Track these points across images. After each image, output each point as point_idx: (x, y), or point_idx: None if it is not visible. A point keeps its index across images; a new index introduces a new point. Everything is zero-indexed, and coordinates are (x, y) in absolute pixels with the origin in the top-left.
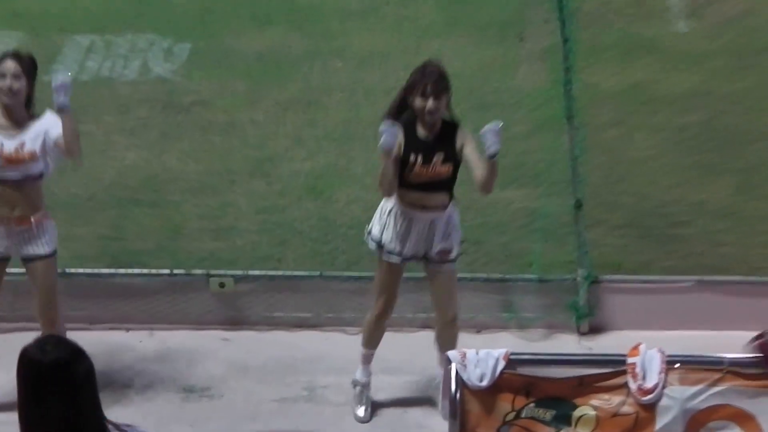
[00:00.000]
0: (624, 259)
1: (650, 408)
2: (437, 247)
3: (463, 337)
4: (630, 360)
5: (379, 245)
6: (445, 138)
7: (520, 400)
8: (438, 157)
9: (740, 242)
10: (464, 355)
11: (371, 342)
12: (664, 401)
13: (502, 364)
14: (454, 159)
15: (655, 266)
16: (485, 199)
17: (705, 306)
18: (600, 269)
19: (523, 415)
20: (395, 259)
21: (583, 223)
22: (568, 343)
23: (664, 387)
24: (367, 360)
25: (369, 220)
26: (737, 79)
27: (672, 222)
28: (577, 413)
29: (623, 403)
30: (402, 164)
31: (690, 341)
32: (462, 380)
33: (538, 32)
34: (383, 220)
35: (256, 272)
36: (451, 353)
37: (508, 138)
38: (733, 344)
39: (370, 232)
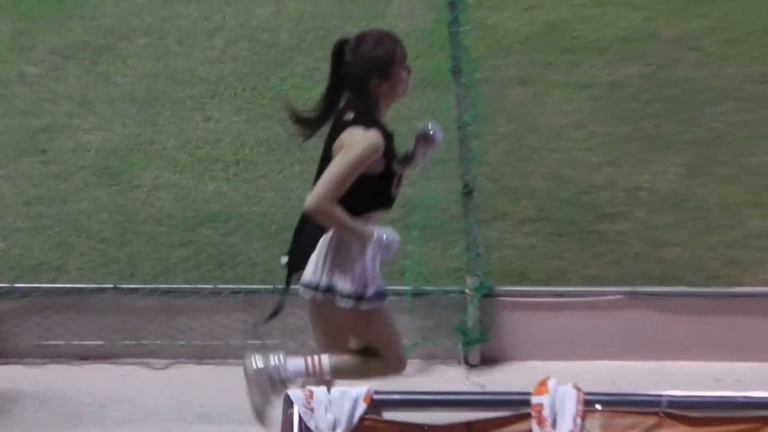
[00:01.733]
0: (531, 265)
1: None
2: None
3: None
4: (535, 400)
5: (358, 297)
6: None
7: None
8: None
9: (690, 242)
10: (311, 395)
11: None
12: None
13: (362, 408)
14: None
15: (573, 275)
16: None
17: (637, 326)
18: (498, 279)
19: None
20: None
21: (475, 216)
22: (453, 379)
23: None
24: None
25: (183, 211)
26: (691, 17)
27: (598, 214)
28: None
29: None
30: (387, 177)
31: (617, 374)
32: (308, 428)
33: None
34: (356, 266)
35: (25, 285)
36: (292, 393)
37: None
38: (675, 378)
39: (330, 291)
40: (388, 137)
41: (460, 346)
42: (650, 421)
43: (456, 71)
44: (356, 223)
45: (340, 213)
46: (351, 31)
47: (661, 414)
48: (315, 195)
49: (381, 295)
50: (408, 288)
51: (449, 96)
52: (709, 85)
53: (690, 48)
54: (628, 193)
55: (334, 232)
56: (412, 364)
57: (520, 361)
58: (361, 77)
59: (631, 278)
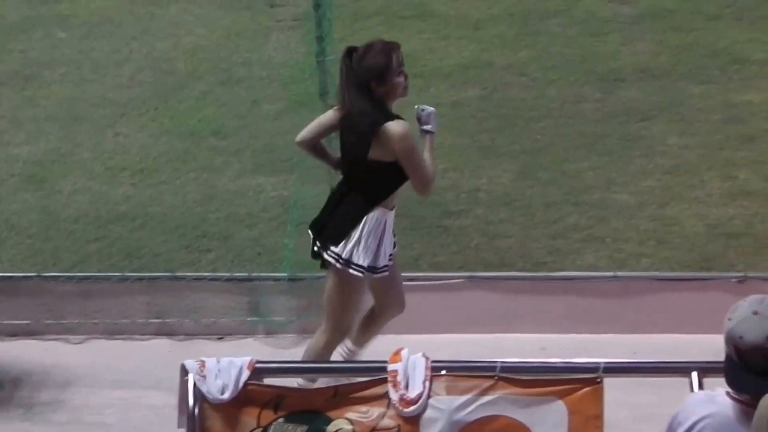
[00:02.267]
0: None
1: (414, 420)
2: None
3: (204, 345)
4: (391, 367)
5: (347, 262)
6: None
7: (267, 415)
8: None
9: (521, 234)
10: (203, 365)
11: None
12: (429, 413)
13: (246, 374)
14: None
15: (424, 263)
16: (232, 187)
17: (478, 306)
18: None
19: (270, 431)
20: (364, 274)
21: None
22: None
23: (429, 397)
24: None
25: (97, 211)
26: (520, 48)
27: (444, 212)
28: (331, 428)
29: (383, 416)
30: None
31: (460, 345)
32: (201, 393)
33: None
34: (366, 236)
35: None
36: (187, 362)
37: (259, 117)
38: (508, 348)
39: (349, 261)
40: None
41: None
42: (487, 383)
43: (323, 94)
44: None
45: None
46: (238, 61)
47: (496, 377)
48: (425, 187)
49: (358, 266)
50: (286, 274)
51: (317, 114)
52: (534, 105)
53: (519, 74)
54: (468, 194)
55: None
56: (289, 338)
57: (379, 335)
58: (362, 82)
59: (471, 265)
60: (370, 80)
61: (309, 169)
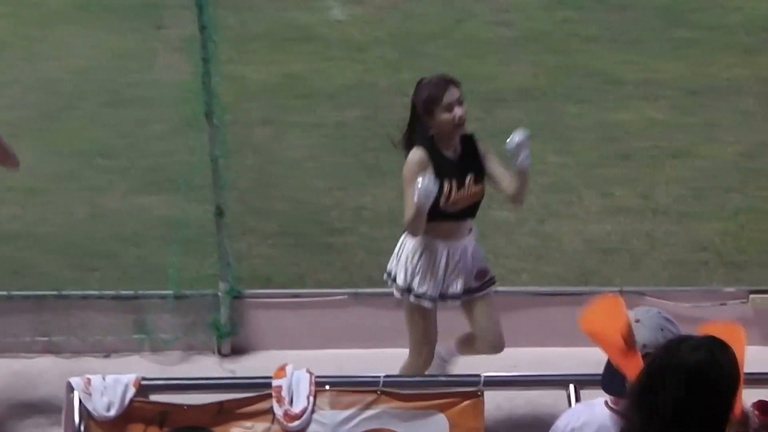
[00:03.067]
0: (275, 271)
1: None
2: (474, 271)
3: (91, 363)
4: (275, 383)
5: (408, 290)
6: (469, 154)
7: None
8: (470, 178)
9: None
10: (89, 382)
11: None
12: (313, 427)
13: (132, 391)
14: (483, 179)
15: (309, 279)
16: (119, 206)
17: (359, 321)
18: (248, 283)
19: None
20: (428, 304)
21: (225, 232)
22: (208, 366)
23: (313, 412)
24: None
25: None
26: (402, 69)
27: (329, 229)
28: None
29: (268, 431)
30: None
31: (343, 361)
32: (87, 410)
33: (178, 18)
34: (412, 263)
35: None
36: (73, 380)
37: (146, 137)
38: (390, 362)
39: (394, 279)
40: (434, 156)
41: (214, 339)
42: (370, 397)
43: (208, 114)
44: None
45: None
46: (125, 82)
47: (378, 392)
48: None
49: (419, 297)
50: (171, 292)
51: (205, 135)
52: None
53: (401, 95)
54: (353, 212)
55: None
56: (175, 354)
57: (264, 351)
58: (412, 113)
59: (356, 282)
60: (418, 115)
61: (195, 188)
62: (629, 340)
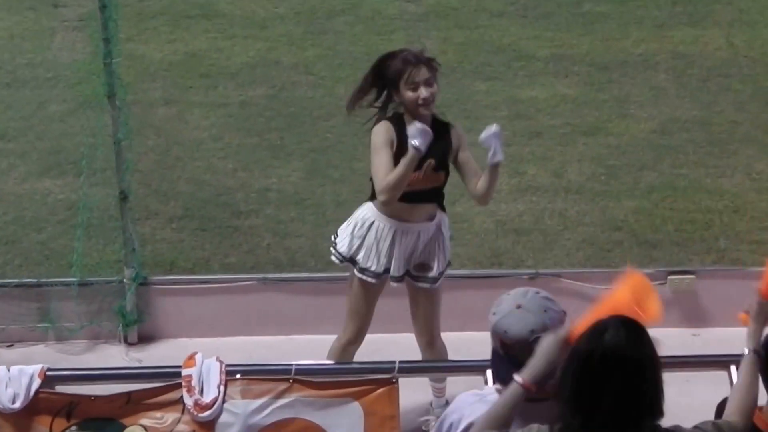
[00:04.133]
0: (179, 256)
1: (209, 425)
2: (416, 261)
3: None
4: (185, 372)
5: (350, 261)
6: (437, 140)
7: (60, 423)
8: (429, 163)
9: (311, 233)
10: None
11: None
12: (224, 417)
13: (37, 382)
14: (446, 168)
15: (214, 263)
16: (18, 190)
17: (270, 307)
18: (152, 268)
19: None
20: (371, 278)
21: (129, 216)
22: (115, 355)
23: (224, 401)
24: None
25: None
26: (306, 47)
27: (234, 212)
28: None
29: (178, 421)
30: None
31: (254, 348)
32: None
33: None
34: (360, 233)
35: None
36: None
37: (45, 119)
38: (302, 350)
39: (335, 245)
40: (400, 132)
41: (120, 328)
42: (282, 386)
43: (111, 95)
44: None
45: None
46: (22, 62)
47: (291, 380)
48: (378, 192)
49: (362, 270)
50: (75, 279)
51: (105, 115)
52: (322, 103)
53: (306, 72)
54: (258, 194)
55: None
56: (80, 344)
57: (172, 339)
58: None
59: (263, 265)
60: (385, 82)
61: (97, 171)
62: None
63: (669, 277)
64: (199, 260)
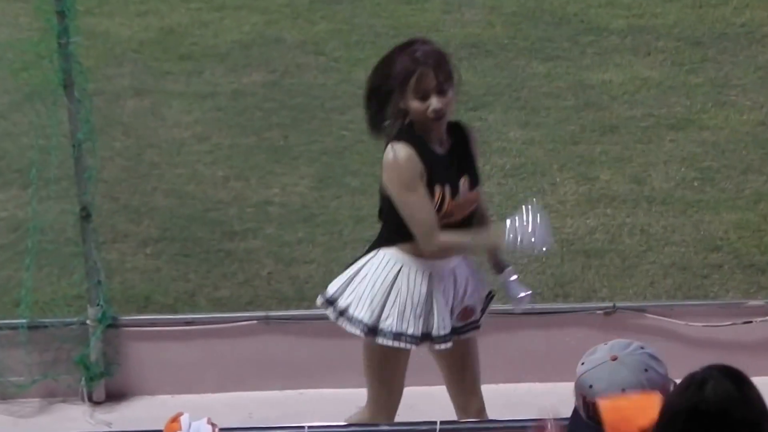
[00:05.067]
0: (156, 288)
1: None
2: (459, 307)
3: None
4: None
5: (374, 328)
6: (459, 147)
7: None
8: (464, 181)
9: (323, 258)
10: None
11: None
12: None
13: None
14: (478, 180)
15: (201, 298)
16: None
17: (275, 354)
18: (121, 305)
19: None
20: (408, 346)
21: (93, 239)
22: (77, 418)
23: None
24: None
25: None
26: (316, 20)
27: (227, 232)
28: None
29: None
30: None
31: (254, 406)
32: None
33: None
34: (385, 287)
35: None
36: None
37: None
38: (315, 407)
39: (346, 312)
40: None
41: (82, 382)
42: None
43: (68, 85)
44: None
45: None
46: None
47: None
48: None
49: (398, 335)
50: (23, 321)
51: (60, 110)
52: (337, 92)
53: (315, 52)
54: (256, 209)
55: None
56: (31, 403)
57: (149, 396)
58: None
59: (263, 300)
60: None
61: (50, 181)
62: None
63: None
64: (182, 294)
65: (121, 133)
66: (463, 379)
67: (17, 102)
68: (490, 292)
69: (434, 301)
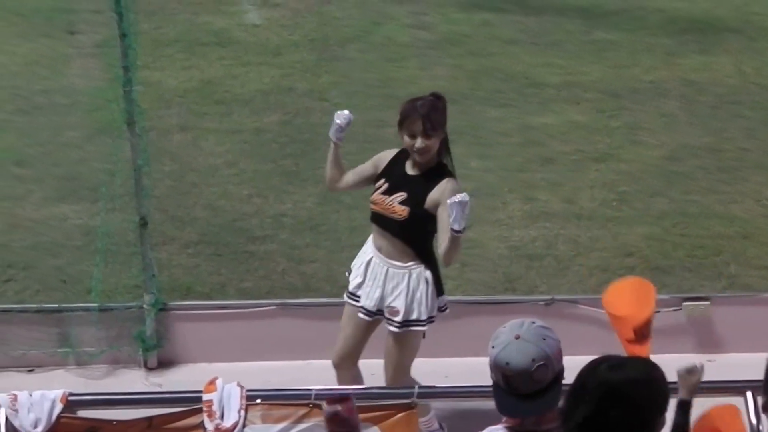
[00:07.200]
0: (195, 281)
1: None
2: (386, 301)
3: (14, 378)
4: (206, 397)
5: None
6: (424, 181)
7: None
8: (399, 196)
9: (326, 258)
10: (15, 398)
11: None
12: None
13: (59, 407)
14: (417, 208)
15: (230, 288)
16: (35, 216)
17: (288, 332)
18: (169, 294)
19: None
20: (351, 301)
21: (148, 242)
22: (135, 380)
23: (244, 426)
24: None
25: None
26: (320, 74)
27: (249, 237)
28: None
29: None
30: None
31: (272, 373)
32: (13, 427)
33: (91, 24)
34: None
35: None
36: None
37: (61, 145)
38: (320, 374)
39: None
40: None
41: (139, 353)
42: (302, 411)
43: (130, 123)
44: None
45: None
46: (37, 88)
47: (310, 405)
48: None
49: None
50: (94, 305)
51: (124, 142)
52: None
53: (320, 99)
54: (273, 219)
55: None
56: (100, 368)
57: (191, 364)
58: None
59: (278, 290)
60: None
61: (115, 197)
62: (644, 331)
63: (684, 304)
64: (215, 285)
65: (169, 160)
66: (386, 362)
67: (90, 135)
68: (431, 318)
69: (366, 278)
